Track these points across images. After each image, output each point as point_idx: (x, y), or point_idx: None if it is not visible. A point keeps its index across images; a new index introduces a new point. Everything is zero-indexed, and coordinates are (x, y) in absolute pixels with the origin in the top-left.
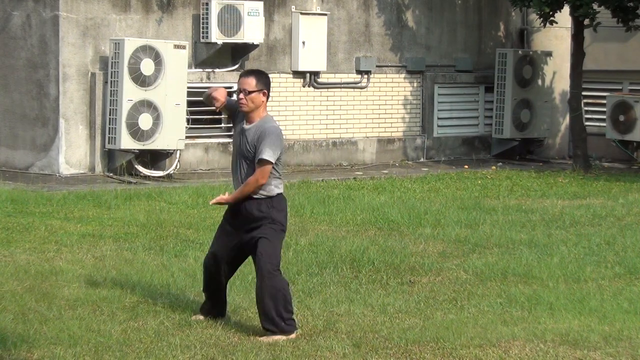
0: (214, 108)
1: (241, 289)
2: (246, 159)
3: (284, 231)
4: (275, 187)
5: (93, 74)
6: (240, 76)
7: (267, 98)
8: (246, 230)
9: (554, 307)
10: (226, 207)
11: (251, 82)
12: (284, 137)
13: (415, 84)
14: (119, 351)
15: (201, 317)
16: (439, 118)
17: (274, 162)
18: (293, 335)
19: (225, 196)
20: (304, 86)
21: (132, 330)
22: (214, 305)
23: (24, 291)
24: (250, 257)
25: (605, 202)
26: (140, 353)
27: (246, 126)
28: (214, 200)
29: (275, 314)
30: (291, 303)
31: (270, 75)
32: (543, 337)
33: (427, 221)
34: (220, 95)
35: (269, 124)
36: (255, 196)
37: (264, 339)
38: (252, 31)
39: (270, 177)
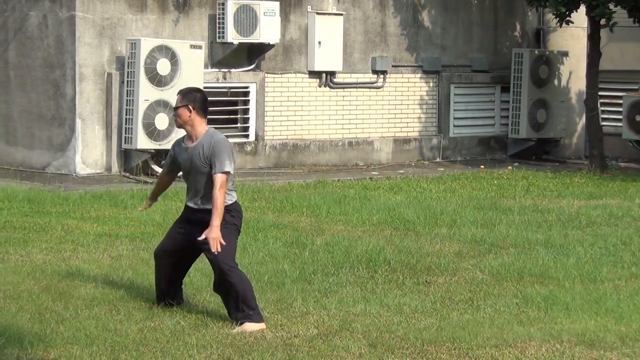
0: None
1: (257, 289)
2: (202, 174)
3: (238, 231)
4: (229, 197)
5: (109, 74)
6: None
7: (202, 114)
8: (200, 231)
9: (570, 307)
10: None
11: (177, 99)
12: (300, 136)
13: (431, 84)
14: (136, 351)
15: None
16: (455, 118)
17: (232, 172)
18: (263, 324)
19: (215, 231)
20: (319, 86)
21: (149, 329)
22: (166, 295)
23: (40, 291)
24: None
25: (622, 203)
26: (156, 353)
27: (189, 144)
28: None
29: (244, 304)
30: (253, 292)
31: (286, 75)
32: (559, 338)
33: (443, 221)
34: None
35: (216, 136)
36: (210, 207)
37: (236, 330)
38: (268, 31)
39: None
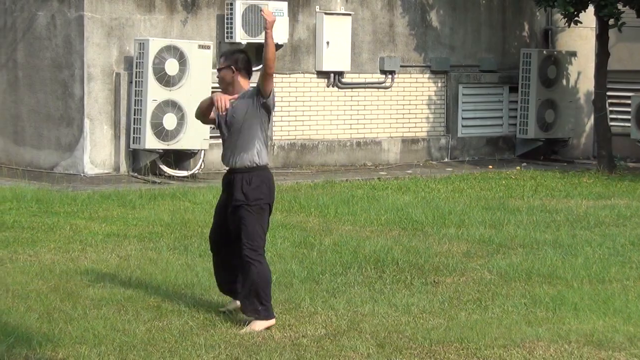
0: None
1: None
2: (244, 123)
3: (265, 206)
4: (259, 154)
5: (118, 74)
6: None
7: (246, 74)
8: (232, 207)
9: (578, 307)
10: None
11: (220, 61)
12: (308, 136)
13: (439, 84)
14: (144, 350)
15: (228, 308)
16: (463, 118)
17: (267, 130)
18: (273, 321)
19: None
20: (328, 86)
21: (157, 329)
22: (225, 282)
23: (49, 291)
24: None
25: (630, 203)
26: (164, 353)
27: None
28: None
29: (256, 298)
30: (270, 290)
31: (294, 76)
32: (567, 338)
33: (451, 221)
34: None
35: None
36: (242, 164)
37: (244, 330)
38: (277, 31)
39: (257, 142)
